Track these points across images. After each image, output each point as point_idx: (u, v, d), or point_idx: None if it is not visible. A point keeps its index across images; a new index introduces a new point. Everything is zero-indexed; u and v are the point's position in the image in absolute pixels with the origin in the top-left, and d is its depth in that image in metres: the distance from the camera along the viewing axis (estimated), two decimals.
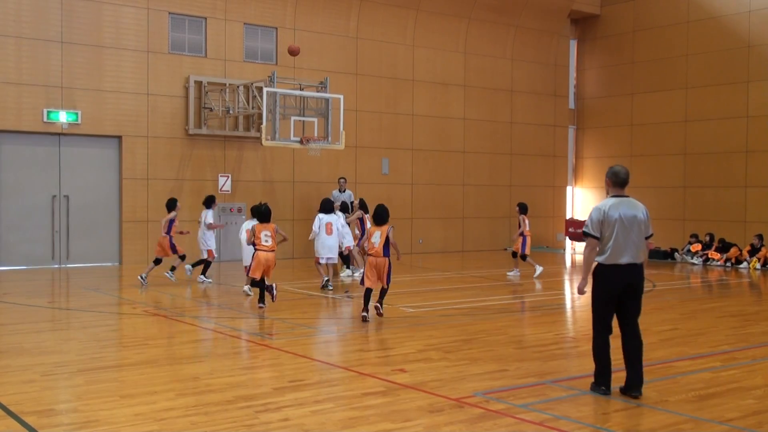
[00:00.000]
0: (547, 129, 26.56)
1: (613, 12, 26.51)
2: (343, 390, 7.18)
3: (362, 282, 11.16)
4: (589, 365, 7.32)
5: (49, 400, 6.80)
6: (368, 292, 10.99)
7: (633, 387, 6.94)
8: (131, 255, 19.01)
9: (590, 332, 7.29)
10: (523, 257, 17.17)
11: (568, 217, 27.11)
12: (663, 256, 22.40)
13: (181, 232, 15.14)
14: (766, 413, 6.57)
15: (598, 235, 7.00)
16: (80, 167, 18.68)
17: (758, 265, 20.17)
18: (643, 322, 7.33)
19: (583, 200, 27.75)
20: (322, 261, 14.40)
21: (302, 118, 18.20)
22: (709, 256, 21.36)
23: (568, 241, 25.85)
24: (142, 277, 14.65)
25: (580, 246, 22.63)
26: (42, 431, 5.82)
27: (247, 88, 19.60)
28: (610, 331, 7.09)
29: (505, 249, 24.07)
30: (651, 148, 25.12)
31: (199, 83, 19.58)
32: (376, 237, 11.00)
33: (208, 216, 15.28)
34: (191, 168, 19.74)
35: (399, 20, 22.97)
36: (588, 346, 7.77)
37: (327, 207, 14.61)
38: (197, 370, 7.90)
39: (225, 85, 19.72)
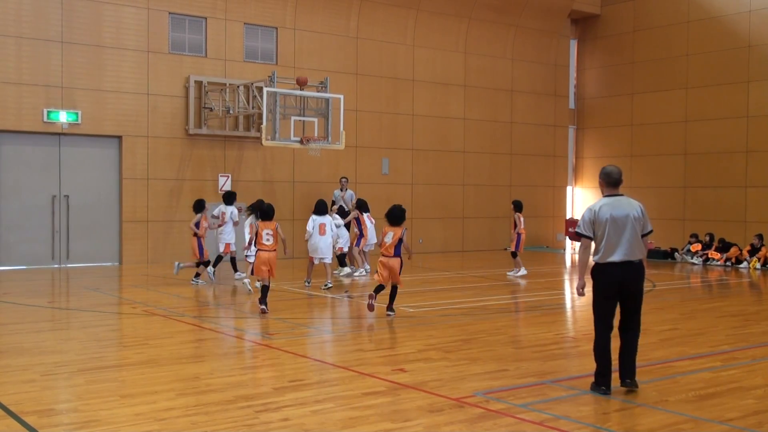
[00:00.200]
0: (547, 129, 26.56)
1: (613, 12, 26.51)
2: (343, 390, 7.18)
3: (375, 275, 11.66)
4: (589, 365, 7.33)
5: (49, 400, 6.80)
6: (380, 287, 11.34)
7: (624, 376, 7.06)
8: (131, 255, 19.02)
9: (590, 332, 7.32)
10: (513, 254, 17.22)
11: (568, 217, 27.12)
12: (663, 256, 22.40)
13: (213, 227, 15.27)
14: (766, 413, 6.57)
15: (590, 234, 7.13)
16: (80, 167, 18.68)
17: (758, 265, 20.17)
18: (643, 322, 7.34)
19: (583, 200, 27.74)
20: (316, 261, 14.72)
21: (302, 118, 18.20)
22: (709, 255, 21.35)
23: (568, 241, 25.86)
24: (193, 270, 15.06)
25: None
26: (42, 431, 5.82)
27: (247, 88, 19.60)
28: (611, 329, 7.12)
29: (505, 249, 24.02)
30: (651, 148, 25.10)
31: (199, 83, 19.58)
32: (389, 237, 11.24)
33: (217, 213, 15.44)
34: (191, 168, 19.75)
35: (399, 20, 22.97)
36: (588, 346, 7.78)
37: (320, 208, 14.93)
38: (197, 369, 7.90)
39: (225, 85, 19.72)
